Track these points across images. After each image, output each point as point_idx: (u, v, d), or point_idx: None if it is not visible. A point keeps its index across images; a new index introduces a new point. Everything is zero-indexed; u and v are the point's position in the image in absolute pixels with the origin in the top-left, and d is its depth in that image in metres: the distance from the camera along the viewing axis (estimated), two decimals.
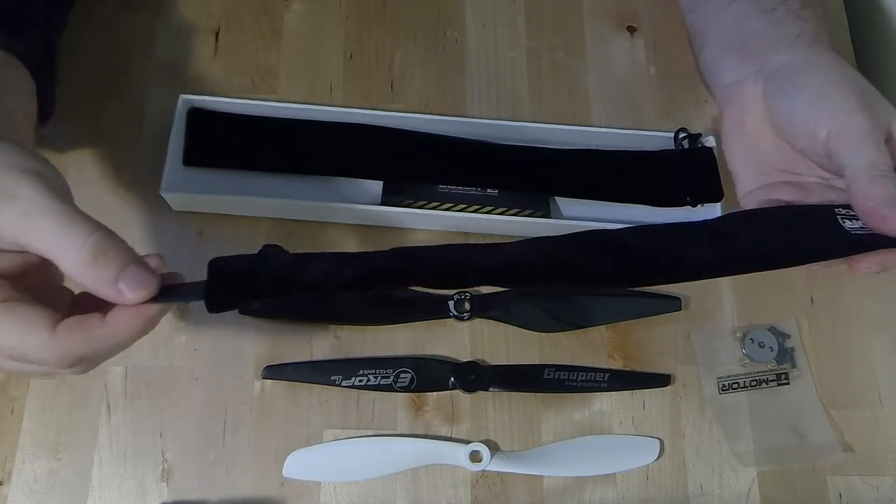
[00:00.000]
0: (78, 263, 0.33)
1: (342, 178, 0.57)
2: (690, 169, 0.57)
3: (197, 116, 0.56)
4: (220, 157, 0.56)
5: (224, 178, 0.56)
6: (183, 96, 0.55)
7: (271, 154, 0.57)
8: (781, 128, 0.42)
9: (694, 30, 0.48)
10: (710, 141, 0.57)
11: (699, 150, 0.57)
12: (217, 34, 0.62)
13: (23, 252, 0.34)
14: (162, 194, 0.53)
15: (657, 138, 0.58)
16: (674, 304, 0.55)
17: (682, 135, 0.57)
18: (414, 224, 0.56)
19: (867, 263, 0.40)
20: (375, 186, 0.57)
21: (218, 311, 0.35)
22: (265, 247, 0.36)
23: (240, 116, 0.57)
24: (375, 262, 0.36)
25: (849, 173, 0.39)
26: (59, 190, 0.34)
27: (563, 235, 0.39)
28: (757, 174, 0.44)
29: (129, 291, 0.34)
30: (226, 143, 0.56)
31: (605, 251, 0.38)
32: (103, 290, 0.34)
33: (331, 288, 0.36)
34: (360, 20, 0.63)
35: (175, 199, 0.54)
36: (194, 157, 0.56)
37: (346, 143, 0.57)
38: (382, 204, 0.56)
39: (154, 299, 0.35)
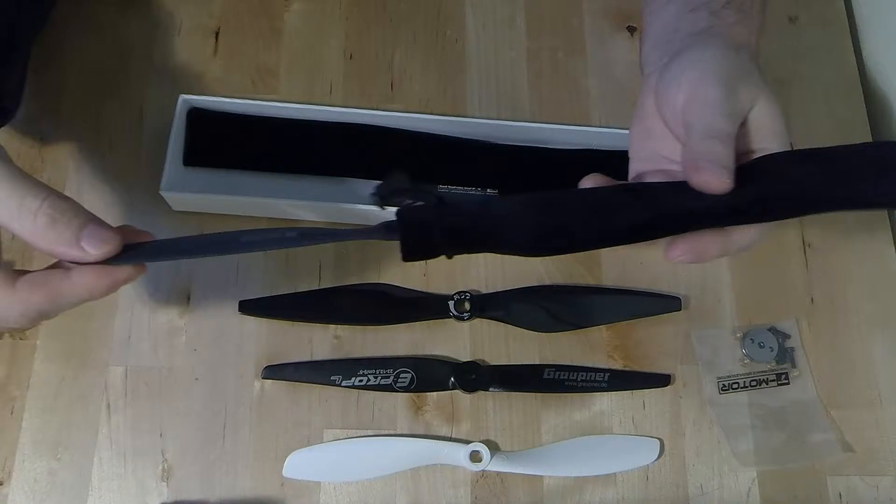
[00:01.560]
0: (36, 227, 0.33)
1: (342, 178, 0.57)
2: None
3: (197, 117, 0.56)
4: (220, 157, 0.56)
5: (224, 178, 0.56)
6: (183, 96, 0.55)
7: (271, 154, 0.57)
8: (657, 102, 0.43)
9: (643, 26, 0.51)
10: None
11: None
12: (217, 34, 0.62)
13: None
14: (162, 194, 0.53)
15: None
16: (674, 303, 0.55)
17: None
18: None
19: (681, 250, 0.39)
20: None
21: (413, 260, 0.37)
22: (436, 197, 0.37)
23: (239, 117, 0.57)
24: (563, 215, 0.37)
25: (687, 134, 0.39)
26: (2, 153, 0.34)
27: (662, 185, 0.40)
28: (645, 160, 0.45)
29: (93, 248, 0.34)
30: (226, 144, 0.57)
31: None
32: (65, 251, 0.34)
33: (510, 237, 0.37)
34: (360, 20, 0.63)
35: (175, 200, 0.54)
36: (194, 157, 0.56)
37: (345, 143, 0.57)
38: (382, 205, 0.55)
39: (122, 258, 0.35)
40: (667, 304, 0.55)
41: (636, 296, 0.55)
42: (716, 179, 0.37)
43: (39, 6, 0.55)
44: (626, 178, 0.57)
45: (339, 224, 0.56)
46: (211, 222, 0.56)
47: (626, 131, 0.58)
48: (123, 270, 0.36)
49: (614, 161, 0.58)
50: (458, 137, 0.58)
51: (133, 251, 0.36)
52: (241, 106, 0.57)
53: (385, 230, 0.37)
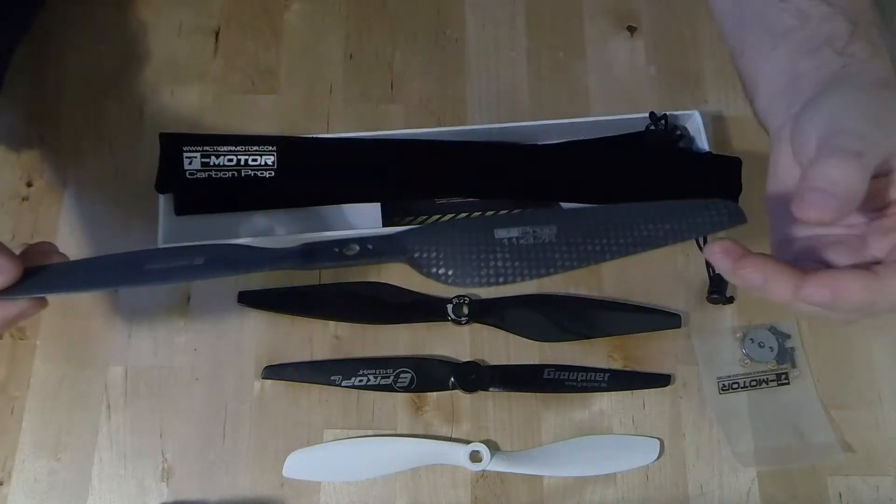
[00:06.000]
0: None
1: (339, 205, 0.56)
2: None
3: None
4: (213, 205, 0.56)
5: (220, 220, 0.56)
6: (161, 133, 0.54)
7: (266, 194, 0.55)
8: (795, 152, 0.38)
9: (743, 76, 0.45)
10: (695, 118, 0.57)
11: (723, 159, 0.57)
12: (217, 34, 0.62)
13: None
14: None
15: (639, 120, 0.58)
16: (674, 321, 0.54)
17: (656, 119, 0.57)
18: None
19: (815, 287, 0.33)
20: (374, 209, 0.56)
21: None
22: None
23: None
24: None
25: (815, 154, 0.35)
26: None
27: None
28: (785, 221, 0.39)
29: None
30: (213, 201, 0.56)
31: None
32: None
33: None
34: (360, 20, 0.63)
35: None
36: (185, 207, 0.55)
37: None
38: (385, 226, 0.55)
39: (21, 288, 0.30)
40: (667, 321, 0.55)
41: (637, 312, 0.55)
42: (813, 209, 0.32)
43: (22, 14, 0.54)
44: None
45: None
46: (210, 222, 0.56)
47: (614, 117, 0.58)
48: (16, 307, 0.31)
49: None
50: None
51: (36, 279, 0.31)
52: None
53: (300, 257, 0.37)
